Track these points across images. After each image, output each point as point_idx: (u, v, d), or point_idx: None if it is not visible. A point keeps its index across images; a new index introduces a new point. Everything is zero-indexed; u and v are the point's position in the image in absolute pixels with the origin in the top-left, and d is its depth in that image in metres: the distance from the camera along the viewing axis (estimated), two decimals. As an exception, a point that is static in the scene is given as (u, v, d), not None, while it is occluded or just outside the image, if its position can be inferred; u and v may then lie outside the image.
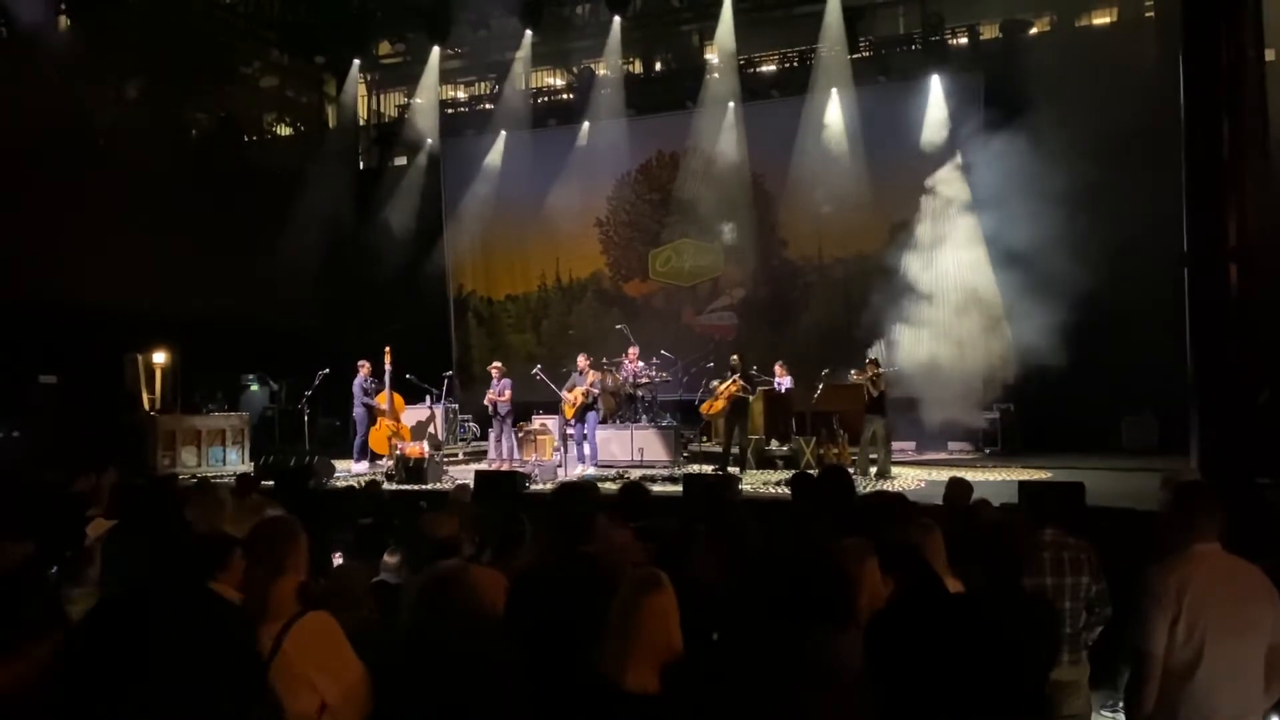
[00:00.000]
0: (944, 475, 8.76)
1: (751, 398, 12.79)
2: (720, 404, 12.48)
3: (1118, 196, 11.79)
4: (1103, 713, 4.76)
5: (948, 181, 14.78)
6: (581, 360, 12.77)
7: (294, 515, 3.48)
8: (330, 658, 2.97)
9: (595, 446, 12.56)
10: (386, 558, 4.59)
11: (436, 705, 2.68)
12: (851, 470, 9.86)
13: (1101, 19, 15.43)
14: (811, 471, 9.55)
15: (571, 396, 12.56)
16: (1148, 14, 14.93)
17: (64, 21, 14.66)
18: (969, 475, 7.10)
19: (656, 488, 9.84)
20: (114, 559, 4.36)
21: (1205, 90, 7.94)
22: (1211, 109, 7.89)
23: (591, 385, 12.49)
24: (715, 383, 12.84)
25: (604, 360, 13.39)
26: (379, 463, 13.15)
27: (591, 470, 12.18)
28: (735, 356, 12.67)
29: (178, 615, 1.83)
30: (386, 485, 10.83)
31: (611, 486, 10.01)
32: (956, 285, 13.95)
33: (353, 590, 3.79)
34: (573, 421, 12.67)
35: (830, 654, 2.56)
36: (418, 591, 2.95)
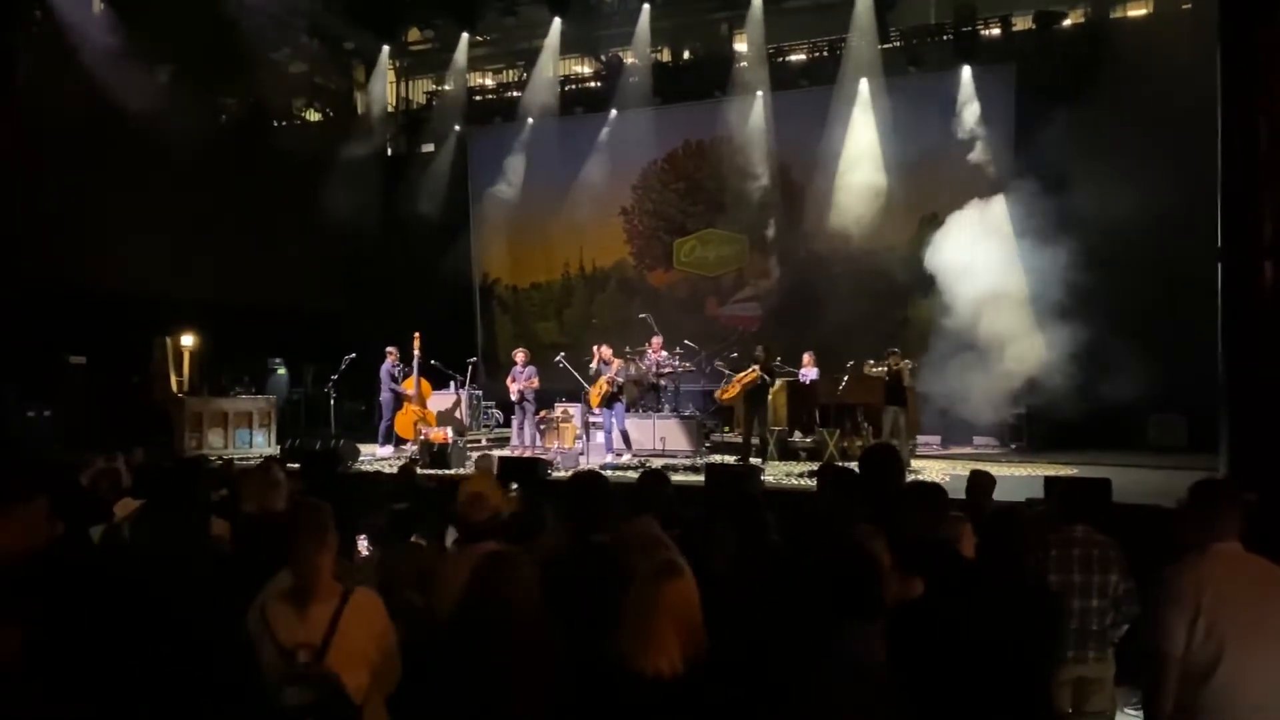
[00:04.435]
0: (968, 470, 8.70)
1: (772, 389, 12.77)
2: (733, 390, 12.49)
3: (1150, 190, 11.62)
4: (1127, 710, 4.73)
5: (977, 174, 14.65)
6: (604, 350, 12.81)
7: (323, 499, 3.51)
8: (383, 634, 3.16)
9: (627, 434, 12.59)
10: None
11: (482, 682, 2.74)
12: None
13: (1137, 10, 15.24)
14: (839, 464, 9.50)
15: (595, 387, 12.61)
16: (1185, 5, 14.71)
17: (97, 4, 14.75)
18: (994, 470, 7.05)
19: (678, 477, 9.83)
20: (143, 538, 4.40)
21: (1243, 83, 7.82)
22: (1249, 102, 7.77)
23: (616, 374, 12.51)
24: (726, 369, 13.09)
25: (626, 349, 13.40)
26: (403, 447, 13.25)
27: (626, 458, 12.22)
28: (760, 348, 12.64)
29: None
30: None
31: (634, 476, 10.01)
32: (985, 279, 13.79)
33: (403, 571, 3.89)
34: (597, 411, 12.70)
35: (859, 647, 2.55)
36: (472, 571, 3.01)
